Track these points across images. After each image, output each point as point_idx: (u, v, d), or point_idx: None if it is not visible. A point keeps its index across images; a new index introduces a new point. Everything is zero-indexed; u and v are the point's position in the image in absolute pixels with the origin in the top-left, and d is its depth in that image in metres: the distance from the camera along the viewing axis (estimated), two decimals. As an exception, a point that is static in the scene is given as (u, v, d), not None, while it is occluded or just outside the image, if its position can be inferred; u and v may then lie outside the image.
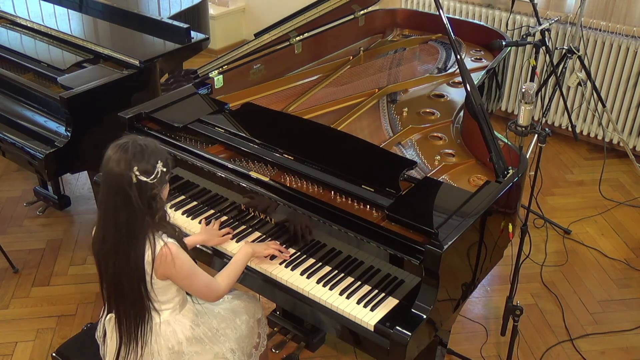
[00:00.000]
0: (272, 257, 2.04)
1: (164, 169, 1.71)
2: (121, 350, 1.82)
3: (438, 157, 2.30)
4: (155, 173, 1.68)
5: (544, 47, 3.28)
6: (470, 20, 4.26)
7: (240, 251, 1.98)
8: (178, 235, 1.82)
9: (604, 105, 3.70)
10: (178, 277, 1.78)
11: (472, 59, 3.24)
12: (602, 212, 3.61)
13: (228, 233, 2.13)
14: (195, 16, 3.58)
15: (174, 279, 1.79)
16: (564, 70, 3.60)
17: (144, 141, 1.71)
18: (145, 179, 1.66)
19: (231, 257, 2.05)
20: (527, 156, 3.36)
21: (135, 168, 1.65)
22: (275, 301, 2.15)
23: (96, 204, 2.33)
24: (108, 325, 1.87)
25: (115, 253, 1.71)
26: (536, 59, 3.32)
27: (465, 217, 1.86)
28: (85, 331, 2.23)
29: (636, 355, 2.72)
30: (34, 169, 2.83)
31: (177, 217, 2.23)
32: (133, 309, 1.77)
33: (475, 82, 2.44)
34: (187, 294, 1.93)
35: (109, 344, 1.89)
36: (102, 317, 1.90)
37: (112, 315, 1.85)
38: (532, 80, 3.42)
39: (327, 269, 2.00)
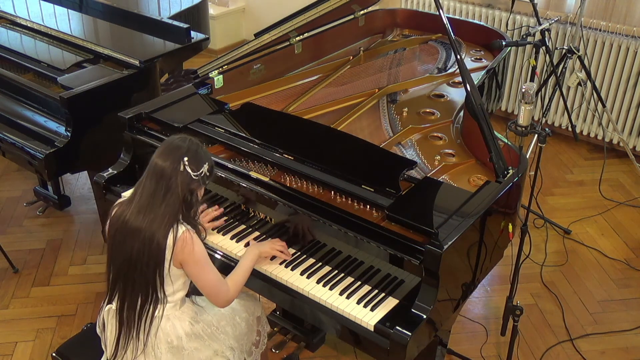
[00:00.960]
0: (272, 257, 2.05)
1: (208, 173, 1.81)
2: (120, 339, 1.82)
3: (438, 157, 2.30)
4: (200, 171, 1.78)
5: (544, 47, 3.28)
6: (470, 20, 4.26)
7: (246, 255, 1.98)
8: (202, 234, 1.87)
9: (604, 105, 3.70)
10: (193, 265, 1.80)
11: (472, 59, 3.24)
12: (602, 212, 3.61)
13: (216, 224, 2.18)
14: (195, 16, 3.58)
15: (188, 267, 1.80)
16: (564, 70, 3.60)
17: (200, 144, 1.83)
18: (190, 171, 1.76)
19: (222, 253, 2.07)
20: (527, 156, 3.36)
21: (186, 159, 1.75)
22: (275, 301, 2.15)
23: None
24: (107, 316, 1.88)
25: (139, 233, 1.74)
26: (536, 59, 3.32)
27: (465, 217, 1.86)
28: (85, 331, 2.23)
29: (636, 355, 2.72)
30: (34, 169, 2.83)
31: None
32: (141, 295, 1.79)
33: (475, 82, 2.44)
34: (186, 295, 1.94)
35: (109, 336, 1.89)
36: (102, 308, 1.90)
37: (111, 306, 1.86)
38: (532, 80, 3.42)
39: (327, 269, 2.00)
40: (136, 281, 1.78)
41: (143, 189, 1.77)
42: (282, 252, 2.02)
